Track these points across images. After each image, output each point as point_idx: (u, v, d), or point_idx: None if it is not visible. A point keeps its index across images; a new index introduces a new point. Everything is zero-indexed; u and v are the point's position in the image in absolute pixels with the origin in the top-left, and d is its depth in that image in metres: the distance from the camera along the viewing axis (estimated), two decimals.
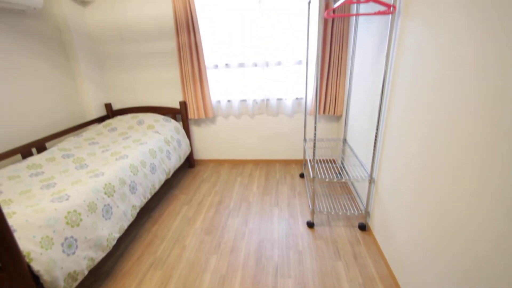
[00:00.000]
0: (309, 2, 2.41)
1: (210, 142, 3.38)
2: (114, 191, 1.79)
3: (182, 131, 3.02)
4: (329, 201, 2.42)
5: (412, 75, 1.38)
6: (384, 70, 1.67)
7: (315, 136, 2.01)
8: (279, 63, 2.91)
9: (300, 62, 2.89)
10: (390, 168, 1.67)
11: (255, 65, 2.93)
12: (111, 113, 3.19)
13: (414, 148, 1.37)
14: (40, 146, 2.30)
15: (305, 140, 2.89)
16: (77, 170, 1.98)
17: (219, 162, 3.46)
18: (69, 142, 2.44)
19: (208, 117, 3.14)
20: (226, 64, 2.98)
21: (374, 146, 1.85)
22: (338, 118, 3.05)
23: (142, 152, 2.25)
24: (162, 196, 2.72)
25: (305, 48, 2.82)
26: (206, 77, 2.95)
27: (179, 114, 3.12)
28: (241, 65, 2.97)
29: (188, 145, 3.10)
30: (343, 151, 2.79)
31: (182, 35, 2.79)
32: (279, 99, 3.05)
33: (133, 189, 1.98)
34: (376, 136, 1.82)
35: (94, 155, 2.24)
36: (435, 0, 1.18)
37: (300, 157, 3.31)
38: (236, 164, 3.40)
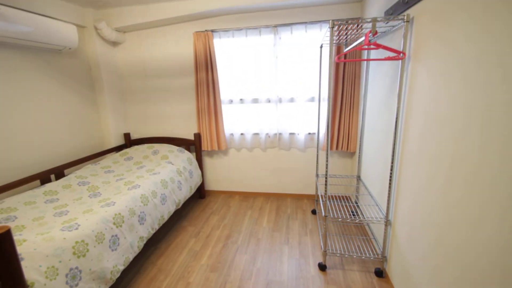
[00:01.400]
0: (321, 46, 2.54)
1: (222, 174, 3.39)
2: (123, 222, 1.79)
3: (195, 162, 3.06)
4: (343, 242, 2.29)
5: (426, 117, 1.37)
6: (397, 110, 1.67)
7: (326, 172, 1.98)
8: (292, 100, 3.00)
9: (312, 99, 2.96)
10: (407, 211, 1.59)
11: (269, 100, 3.03)
12: (129, 142, 3.32)
13: (432, 191, 1.31)
14: (59, 172, 2.39)
15: (317, 175, 2.85)
16: (90, 198, 2.02)
17: (230, 194, 3.43)
18: (86, 169, 2.53)
19: (221, 149, 3.19)
20: (241, 99, 3.09)
21: (389, 187, 1.78)
22: (352, 154, 3.01)
23: (154, 182, 2.28)
24: (171, 227, 2.68)
25: (318, 86, 2.90)
26: (221, 111, 3.06)
27: (193, 145, 3.20)
28: (255, 100, 3.07)
29: (200, 176, 3.12)
30: (357, 189, 2.71)
31: (200, 72, 2.97)
32: (291, 134, 3.08)
33: (142, 219, 1.97)
34: (391, 177, 1.77)
35: (108, 183, 2.29)
36: (444, 48, 1.21)
37: (313, 192, 3.23)
38: (247, 196, 3.36)
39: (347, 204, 2.85)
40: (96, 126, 3.09)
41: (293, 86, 2.96)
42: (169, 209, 2.35)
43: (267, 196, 3.34)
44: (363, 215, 2.43)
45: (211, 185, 3.47)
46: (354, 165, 2.91)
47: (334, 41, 2.45)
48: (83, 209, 1.81)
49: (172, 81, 3.19)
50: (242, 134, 3.18)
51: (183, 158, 2.93)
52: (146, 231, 2.01)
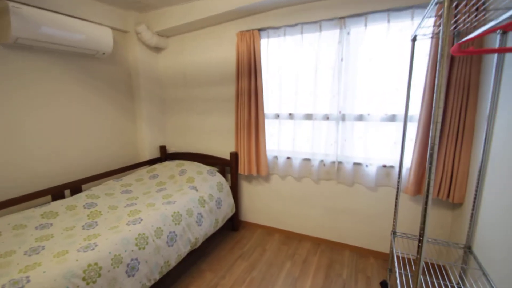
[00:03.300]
0: (414, 39, 1.66)
1: (261, 204, 2.73)
2: (99, 276, 1.31)
3: (227, 189, 2.49)
4: None
5: None
6: None
7: (422, 236, 1.08)
8: (360, 117, 2.15)
9: (392, 118, 2.06)
10: None
11: (327, 117, 2.25)
12: (164, 156, 3.00)
13: None
14: (75, 188, 2.15)
15: (394, 233, 1.89)
16: (83, 230, 1.64)
17: (269, 231, 2.73)
18: (104, 186, 2.24)
19: (261, 175, 2.54)
20: (290, 114, 2.41)
21: None
22: (455, 206, 1.95)
23: (163, 216, 1.79)
24: (186, 267, 2.15)
25: (400, 100, 1.99)
26: (263, 127, 2.43)
27: (229, 166, 2.65)
28: (308, 116, 2.34)
29: (232, 206, 2.54)
30: (466, 262, 1.66)
31: (242, 80, 2.43)
32: (357, 164, 2.21)
33: (132, 270, 1.48)
34: None
35: (115, 209, 1.91)
36: None
37: (384, 249, 2.25)
38: (290, 238, 2.60)
39: (442, 281, 1.79)
40: (132, 136, 2.87)
41: (363, 99, 2.12)
42: (179, 251, 1.82)
43: (317, 242, 2.51)
44: None
45: (247, 216, 2.85)
46: (459, 224, 1.85)
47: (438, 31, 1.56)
48: (60, 248, 1.42)
49: (212, 90, 2.74)
50: (288, 158, 2.47)
51: (213, 182, 2.40)
52: (137, 285, 1.50)
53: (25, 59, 1.95)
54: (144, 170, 2.61)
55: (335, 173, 2.29)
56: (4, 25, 1.70)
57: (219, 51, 2.62)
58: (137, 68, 2.72)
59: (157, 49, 2.91)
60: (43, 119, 2.08)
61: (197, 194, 2.17)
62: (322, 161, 2.33)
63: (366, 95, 2.10)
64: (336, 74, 2.16)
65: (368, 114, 2.11)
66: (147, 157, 2.90)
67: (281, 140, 2.48)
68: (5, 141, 1.88)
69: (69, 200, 1.94)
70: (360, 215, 2.28)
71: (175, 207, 1.91)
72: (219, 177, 2.49)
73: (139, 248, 1.55)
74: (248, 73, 2.39)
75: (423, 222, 0.99)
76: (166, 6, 2.50)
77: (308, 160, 2.40)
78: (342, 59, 2.13)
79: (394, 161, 2.10)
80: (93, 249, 1.38)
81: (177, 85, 2.93)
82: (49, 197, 2.02)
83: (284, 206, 2.61)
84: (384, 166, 2.12)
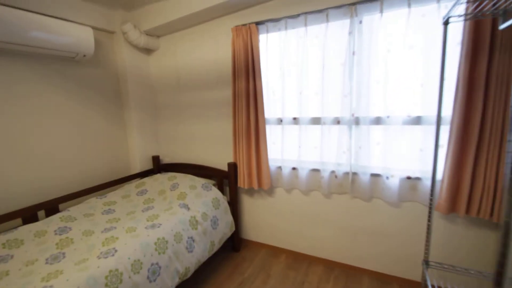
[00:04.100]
0: (447, 22, 1.33)
1: (264, 221, 2.41)
2: None
3: (224, 205, 2.19)
4: None
5: None
6: None
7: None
8: (378, 120, 1.82)
9: (417, 120, 1.72)
10: None
11: (337, 121, 1.93)
12: (157, 167, 2.73)
13: None
14: (51, 208, 1.89)
15: (426, 263, 1.53)
16: (46, 265, 1.36)
17: (274, 251, 2.40)
18: (84, 205, 1.98)
19: (263, 188, 2.23)
20: (294, 119, 2.09)
21: None
22: (499, 227, 1.58)
23: (143, 245, 1.50)
24: None
25: (426, 98, 1.65)
26: (264, 134, 2.13)
27: (228, 178, 2.35)
28: (316, 120, 2.02)
29: (231, 224, 2.23)
30: None
31: (239, 81, 2.14)
32: (375, 175, 1.87)
33: None
34: None
35: (89, 236, 1.63)
36: None
37: (412, 276, 1.89)
38: (298, 260, 2.26)
39: None
40: (122, 147, 2.61)
41: (380, 99, 1.79)
42: (164, 286, 1.52)
43: (330, 265, 2.16)
44: None
45: (249, 234, 2.53)
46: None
47: (471, 14, 1.24)
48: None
49: (208, 93, 2.46)
50: (294, 168, 2.15)
51: (207, 198, 2.10)
52: None
53: None
54: (133, 185, 2.34)
55: (349, 185, 1.95)
56: None
57: (214, 50, 2.34)
58: (125, 72, 2.47)
59: (147, 51, 2.67)
60: (14, 131, 1.84)
61: (188, 214, 1.87)
62: (333, 172, 2.00)
63: (384, 94, 1.77)
64: (347, 71, 1.84)
65: (388, 117, 1.77)
66: (138, 169, 2.63)
67: (285, 148, 2.16)
68: None
69: (38, 225, 1.67)
70: (381, 235, 1.93)
71: (159, 232, 1.62)
72: (215, 192, 2.19)
73: None
74: (246, 73, 2.09)
75: (501, 264, 0.66)
76: (154, 1, 2.25)
77: (316, 170, 2.07)
78: (353, 53, 1.81)
79: (420, 171, 1.75)
80: None
81: (170, 89, 2.66)
82: (19, 221, 1.76)
83: (291, 224, 2.28)
84: (409, 177, 1.77)
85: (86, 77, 2.26)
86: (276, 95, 2.15)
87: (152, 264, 1.48)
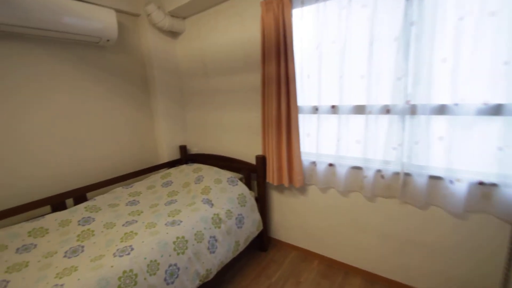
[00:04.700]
0: None
1: (296, 221, 2.19)
2: None
3: (251, 202, 2.01)
4: None
5: None
6: None
7: None
8: (441, 110, 1.45)
9: (497, 110, 1.32)
10: None
11: (387, 110, 1.59)
12: (185, 157, 2.65)
13: None
14: (79, 196, 1.89)
15: None
16: (64, 258, 1.32)
17: (306, 255, 2.18)
18: (110, 195, 1.95)
19: (294, 185, 1.99)
20: (333, 107, 1.79)
21: None
22: None
23: (161, 244, 1.39)
24: None
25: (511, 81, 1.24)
26: (297, 124, 1.87)
27: (256, 172, 2.16)
28: (359, 109, 1.70)
29: (258, 223, 2.05)
30: None
31: (268, 64, 1.89)
32: (434, 178, 1.51)
33: None
34: None
35: (110, 228, 1.57)
36: None
37: None
38: (333, 269, 2.01)
39: None
40: (150, 135, 2.57)
41: (446, 82, 1.41)
42: None
43: (370, 279, 1.88)
44: None
45: (279, 233, 2.33)
46: None
47: None
48: (25, 285, 1.10)
49: (234, 78, 2.26)
50: (331, 165, 1.87)
51: (233, 194, 1.93)
52: None
53: (16, 49, 1.71)
54: (159, 175, 2.28)
55: (399, 188, 1.62)
56: None
57: (241, 29, 2.11)
58: (150, 57, 2.38)
59: (173, 34, 2.53)
60: (42, 119, 1.85)
61: (211, 211, 1.72)
62: (379, 171, 1.68)
63: (451, 76, 1.38)
64: (402, 47, 1.48)
65: (456, 105, 1.39)
66: (165, 158, 2.57)
67: (321, 141, 1.88)
68: (1, 144, 1.67)
69: (64, 214, 1.67)
70: (438, 250, 1.58)
71: (179, 231, 1.50)
72: (241, 187, 2.01)
73: None
74: (276, 54, 1.83)
75: None
76: None
77: (358, 168, 1.76)
78: (411, 23, 1.44)
79: (498, 176, 1.35)
80: None
81: (197, 75, 2.52)
82: (48, 208, 1.78)
83: (326, 227, 2.03)
84: (481, 183, 1.39)
85: (111, 63, 2.20)
86: (312, 80, 1.86)
87: (170, 265, 1.37)
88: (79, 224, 1.60)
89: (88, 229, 1.56)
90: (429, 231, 1.59)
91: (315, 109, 1.87)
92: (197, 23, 2.37)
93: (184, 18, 2.42)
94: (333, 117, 1.81)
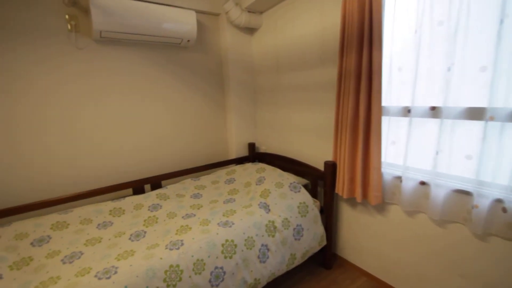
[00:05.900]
0: None
1: (370, 243, 1.82)
2: None
3: (314, 213, 1.77)
4: None
5: None
6: None
7: None
8: None
9: None
10: None
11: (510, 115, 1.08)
12: (252, 154, 2.61)
13: None
14: (155, 183, 2.08)
15: None
16: (128, 240, 1.44)
17: (377, 285, 1.79)
18: (179, 185, 2.08)
19: (369, 202, 1.64)
20: (432, 109, 1.36)
21: None
22: None
23: (210, 244, 1.35)
24: None
25: None
26: (379, 128, 1.51)
27: (323, 180, 1.90)
28: (473, 113, 1.23)
29: (321, 238, 1.79)
30: None
31: (348, 55, 1.59)
32: None
33: None
34: None
35: (171, 218, 1.65)
36: None
37: None
38: None
39: None
40: (222, 131, 2.63)
41: None
42: None
43: None
44: None
45: (346, 252, 2.01)
46: None
47: None
48: (84, 265, 1.24)
49: (307, 74, 2.04)
50: (423, 183, 1.44)
51: (293, 202, 1.74)
52: None
53: (114, 53, 1.98)
54: (224, 171, 2.30)
55: None
56: (90, 20, 1.71)
57: (318, 19, 1.87)
58: (226, 55, 2.41)
59: (250, 30, 2.49)
60: (139, 113, 2.12)
61: (266, 217, 1.59)
62: (500, 201, 1.18)
63: None
64: None
65: None
66: (234, 155, 2.60)
67: (411, 152, 1.47)
68: (102, 134, 2.00)
69: (140, 198, 1.86)
70: None
71: (229, 233, 1.43)
72: (303, 195, 1.80)
73: (168, 286, 1.17)
74: (359, 42, 1.52)
75: None
76: None
77: (465, 193, 1.29)
78: None
79: None
80: (108, 278, 1.11)
81: (269, 70, 2.41)
82: (130, 191, 2.02)
83: (409, 259, 1.60)
84: None
85: (190, 62, 2.33)
86: (404, 73, 1.47)
87: (216, 268, 1.31)
88: (148, 210, 1.75)
89: (154, 216, 1.68)
90: None
91: (407, 111, 1.47)
92: (274, 15, 2.25)
93: (261, 12, 2.34)
94: (433, 121, 1.38)
